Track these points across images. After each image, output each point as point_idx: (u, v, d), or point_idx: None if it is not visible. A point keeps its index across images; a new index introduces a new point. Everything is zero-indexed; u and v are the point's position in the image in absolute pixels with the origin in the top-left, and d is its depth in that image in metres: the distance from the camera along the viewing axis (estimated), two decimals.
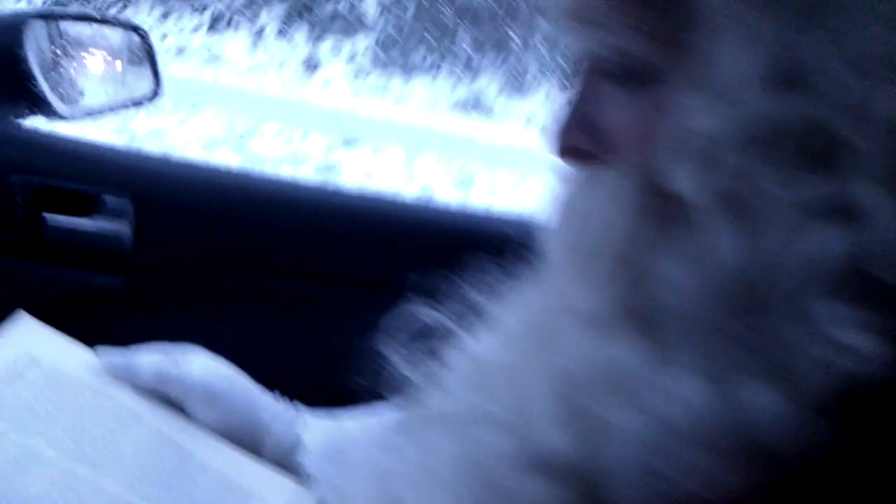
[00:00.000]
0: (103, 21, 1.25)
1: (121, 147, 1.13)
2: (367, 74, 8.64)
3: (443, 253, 0.67)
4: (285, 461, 0.70)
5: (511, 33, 8.99)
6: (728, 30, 0.33)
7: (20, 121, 1.14)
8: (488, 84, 8.81)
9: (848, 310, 0.32)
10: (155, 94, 1.30)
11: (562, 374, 0.38)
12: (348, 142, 6.48)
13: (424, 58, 8.89)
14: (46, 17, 1.17)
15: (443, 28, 9.02)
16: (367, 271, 1.04)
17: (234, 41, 8.67)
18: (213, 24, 8.72)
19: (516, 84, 8.84)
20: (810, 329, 0.32)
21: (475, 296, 0.51)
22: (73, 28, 1.21)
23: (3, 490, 0.59)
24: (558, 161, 0.43)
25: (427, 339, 0.52)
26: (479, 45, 9.03)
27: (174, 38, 8.29)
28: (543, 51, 8.85)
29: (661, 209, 0.36)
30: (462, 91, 8.70)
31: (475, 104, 8.55)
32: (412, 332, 0.53)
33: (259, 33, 8.85)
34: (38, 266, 1.01)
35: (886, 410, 0.33)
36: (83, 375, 0.70)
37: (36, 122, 1.13)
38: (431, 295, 0.53)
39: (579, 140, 0.41)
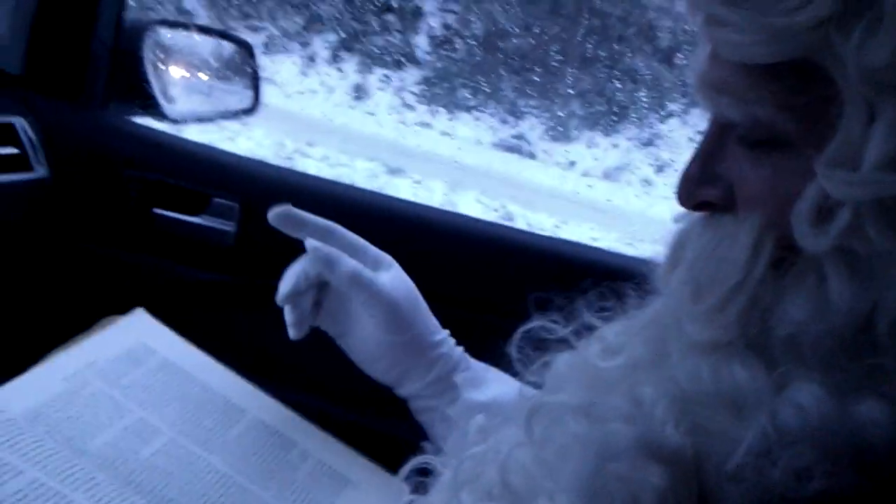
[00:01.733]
0: (216, 33, 1.32)
1: (231, 152, 1.19)
2: (414, 108, 8.78)
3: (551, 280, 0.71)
4: (437, 391, 0.72)
5: (557, 80, 9.10)
6: (863, 112, 0.38)
7: (135, 119, 1.21)
8: (532, 128, 8.91)
9: None
10: (253, 108, 1.37)
11: (676, 388, 0.43)
12: (393, 171, 6.57)
13: (470, 97, 9.02)
14: (166, 24, 1.25)
15: (490, 70, 9.15)
16: (437, 282, 1.07)
17: (287, 65, 8.86)
18: (267, 47, 8.91)
19: (559, 130, 8.93)
20: None
21: (590, 316, 0.56)
22: (186, 37, 1.29)
23: (126, 456, 0.64)
24: (678, 208, 0.48)
25: (546, 349, 0.57)
26: (524, 89, 9.14)
27: None
28: (587, 100, 8.94)
29: (784, 256, 0.42)
30: (506, 132, 8.80)
31: (518, 146, 8.64)
32: (535, 343, 0.58)
33: (311, 59, 9.04)
34: (146, 256, 1.07)
35: None
36: (193, 370, 0.75)
37: (150, 122, 1.20)
38: (551, 312, 0.59)
39: (707, 194, 0.46)
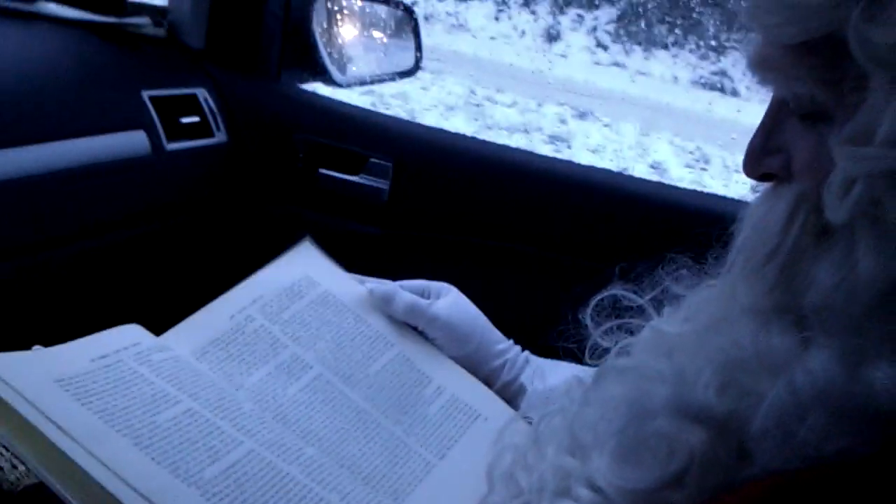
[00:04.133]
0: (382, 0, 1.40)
1: (386, 115, 1.26)
2: (607, 48, 8.55)
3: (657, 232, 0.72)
4: (506, 396, 0.80)
5: None
6: (883, 89, 0.40)
7: (304, 85, 1.32)
8: (735, 63, 8.42)
9: None
10: (417, 68, 1.44)
11: (721, 351, 0.47)
12: (582, 115, 6.49)
13: (667, 34, 8.64)
14: None
15: (688, 4, 8.70)
16: (585, 241, 1.10)
17: (479, 10, 8.90)
18: None
19: None
20: None
21: (670, 282, 0.60)
22: (349, 3, 1.37)
23: (276, 391, 0.72)
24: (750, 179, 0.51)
25: (623, 314, 0.60)
26: (726, 23, 8.62)
27: (422, 5, 8.65)
28: None
29: (821, 226, 0.45)
30: (706, 69, 8.37)
31: (719, 83, 8.20)
32: (611, 307, 0.62)
33: (504, 2, 9.02)
34: (311, 213, 1.17)
35: None
36: (350, 302, 0.82)
37: (316, 88, 1.30)
38: (633, 278, 0.62)
39: (769, 165, 0.49)
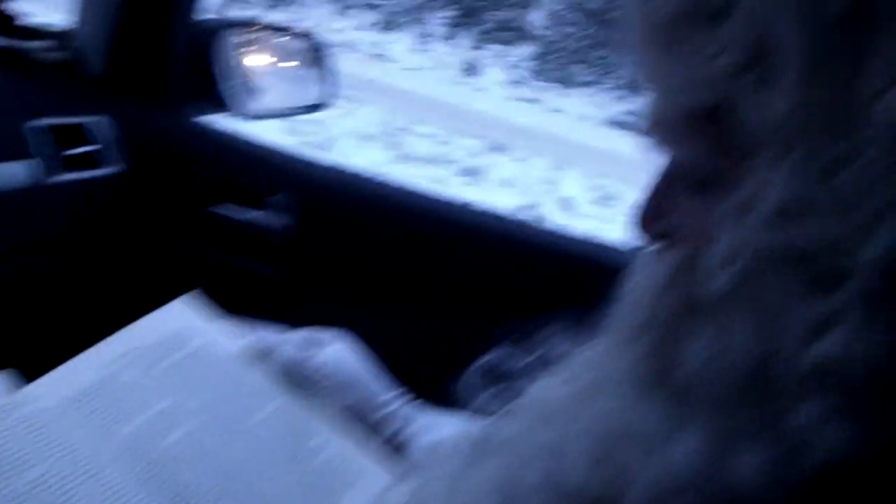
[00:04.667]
0: (285, 31, 1.38)
1: (289, 151, 1.25)
2: (525, 84, 8.73)
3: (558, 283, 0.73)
4: (392, 450, 0.79)
5: None
6: (769, 160, 0.39)
7: (204, 119, 1.29)
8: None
9: (832, 402, 0.38)
10: (327, 102, 1.42)
11: (598, 420, 0.45)
12: (496, 148, 6.59)
13: (585, 73, 8.88)
14: (235, 25, 1.31)
15: (607, 45, 8.98)
16: (488, 287, 1.11)
17: (400, 41, 8.97)
18: (384, 25, 9.05)
19: None
20: (799, 414, 0.38)
21: (559, 340, 0.59)
22: (258, 35, 1.35)
23: (147, 448, 0.69)
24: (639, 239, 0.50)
25: (511, 374, 0.60)
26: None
27: (344, 33, 8.66)
28: None
29: (699, 297, 0.42)
30: (620, 108, 8.64)
31: (633, 123, 8.47)
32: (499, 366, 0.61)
33: (425, 36, 9.12)
34: (207, 249, 1.15)
35: (859, 486, 0.39)
36: (229, 356, 0.80)
37: (218, 121, 1.28)
38: (525, 334, 0.62)
39: (655, 228, 0.47)
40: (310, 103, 1.41)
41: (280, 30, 1.38)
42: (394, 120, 6.73)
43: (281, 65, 1.39)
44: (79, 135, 1.08)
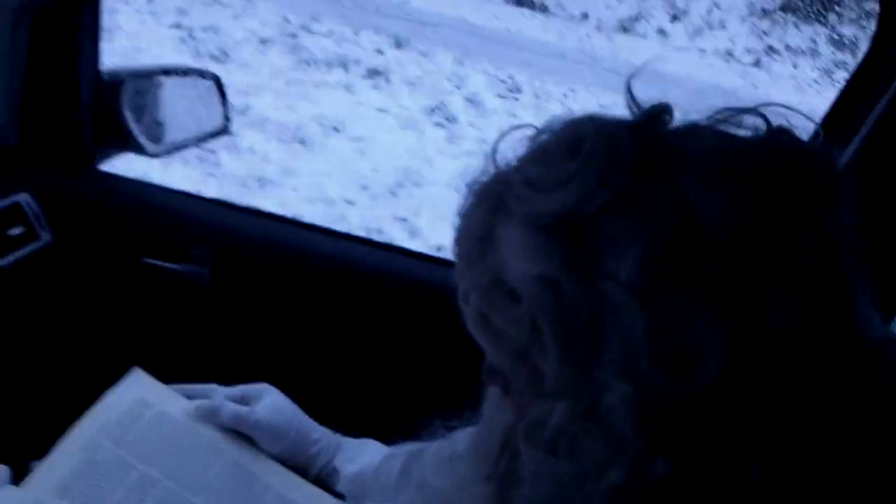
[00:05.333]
0: (182, 71, 1.47)
1: (206, 201, 1.36)
2: None
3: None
4: (326, 484, 0.97)
5: None
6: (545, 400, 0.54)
7: (119, 158, 1.38)
8: None
9: None
10: (226, 128, 1.53)
11: None
12: (399, 43, 6.54)
13: None
14: (138, 74, 1.39)
15: None
16: (407, 336, 1.23)
17: None
18: None
19: None
20: None
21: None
22: (156, 80, 1.43)
23: None
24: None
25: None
26: None
27: None
28: None
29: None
30: None
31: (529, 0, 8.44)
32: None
33: None
34: (136, 302, 1.28)
35: None
36: (183, 419, 0.96)
37: (129, 169, 1.38)
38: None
39: (493, 381, 0.63)
40: (213, 130, 1.52)
41: (179, 71, 1.46)
42: (291, 18, 6.56)
43: (181, 101, 1.48)
44: (11, 214, 1.18)
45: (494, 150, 0.57)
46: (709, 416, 0.48)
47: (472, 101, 5.84)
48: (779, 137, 0.51)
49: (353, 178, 4.44)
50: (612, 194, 0.49)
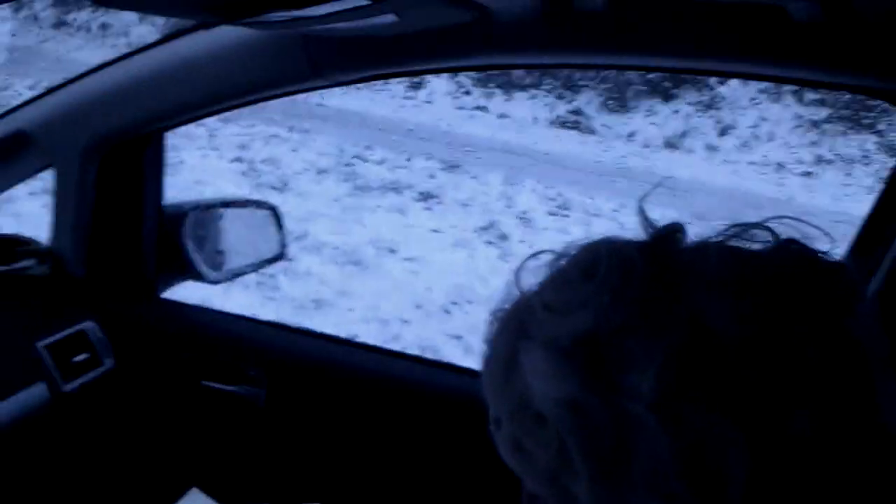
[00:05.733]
0: (241, 203, 1.56)
1: (260, 323, 1.42)
2: (470, 92, 8.90)
3: None
4: None
5: None
6: None
7: (180, 286, 1.46)
8: (589, 101, 8.93)
9: None
10: (283, 254, 1.61)
11: None
12: (450, 167, 6.75)
13: (525, 74, 9.07)
14: (199, 207, 1.49)
15: None
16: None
17: None
18: None
19: (618, 101, 8.92)
20: None
21: None
22: (218, 211, 1.52)
23: None
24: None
25: None
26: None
27: None
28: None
29: None
30: (562, 108, 8.84)
31: (576, 122, 8.68)
32: None
33: None
34: (194, 422, 1.32)
35: None
36: None
37: (189, 296, 1.45)
38: None
39: None
40: (270, 257, 1.59)
41: (238, 202, 1.56)
42: (346, 148, 6.86)
43: (241, 230, 1.56)
44: (77, 341, 1.25)
45: (517, 277, 0.60)
46: None
47: (522, 219, 5.95)
48: (788, 247, 0.54)
49: (408, 297, 4.51)
50: (626, 313, 0.51)
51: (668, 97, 9.02)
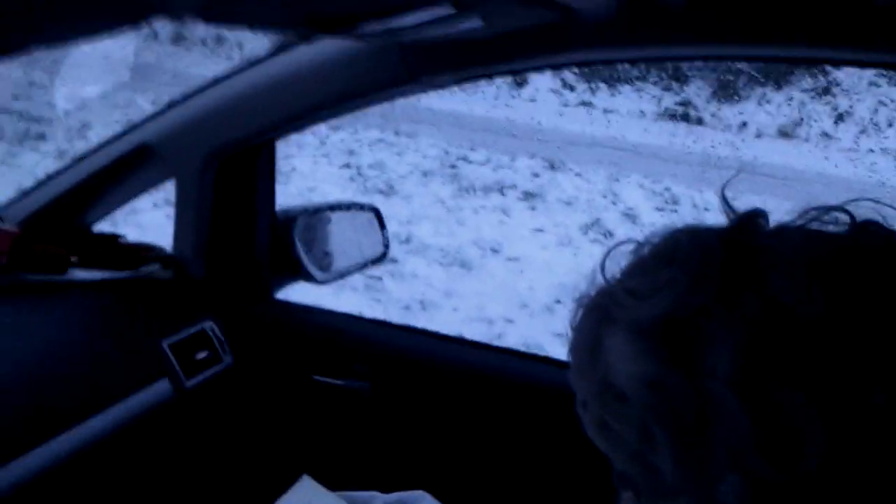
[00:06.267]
0: (346, 206, 1.63)
1: (367, 323, 1.49)
2: (574, 87, 8.84)
3: None
4: None
5: None
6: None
7: (288, 294, 1.54)
8: (698, 91, 8.72)
9: None
10: (385, 255, 1.67)
11: None
12: (553, 165, 6.73)
13: (631, 66, 8.93)
14: (308, 211, 1.56)
15: None
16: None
17: None
18: None
19: (729, 90, 8.67)
20: None
21: None
22: (326, 214, 1.60)
23: None
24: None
25: None
26: None
27: None
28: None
29: None
30: (670, 100, 8.67)
31: (684, 113, 8.49)
32: None
33: None
34: (306, 414, 1.40)
35: None
36: None
37: (300, 295, 1.53)
38: None
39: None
40: (374, 257, 1.66)
41: (343, 206, 1.63)
42: (450, 150, 6.94)
43: (346, 232, 1.63)
44: (198, 339, 1.35)
45: (602, 266, 0.62)
46: (819, 499, 0.50)
47: (628, 215, 5.87)
48: (866, 229, 0.54)
49: (512, 296, 4.53)
50: (705, 296, 0.53)
51: (780, 84, 8.71)
